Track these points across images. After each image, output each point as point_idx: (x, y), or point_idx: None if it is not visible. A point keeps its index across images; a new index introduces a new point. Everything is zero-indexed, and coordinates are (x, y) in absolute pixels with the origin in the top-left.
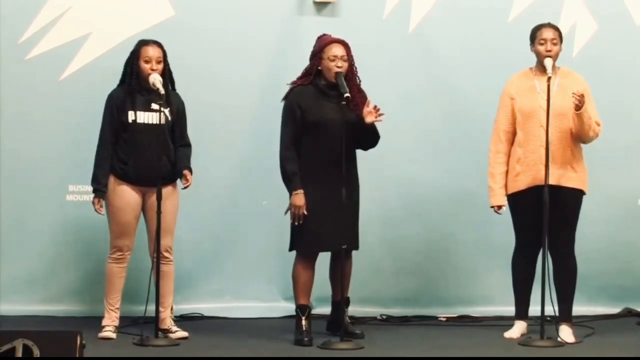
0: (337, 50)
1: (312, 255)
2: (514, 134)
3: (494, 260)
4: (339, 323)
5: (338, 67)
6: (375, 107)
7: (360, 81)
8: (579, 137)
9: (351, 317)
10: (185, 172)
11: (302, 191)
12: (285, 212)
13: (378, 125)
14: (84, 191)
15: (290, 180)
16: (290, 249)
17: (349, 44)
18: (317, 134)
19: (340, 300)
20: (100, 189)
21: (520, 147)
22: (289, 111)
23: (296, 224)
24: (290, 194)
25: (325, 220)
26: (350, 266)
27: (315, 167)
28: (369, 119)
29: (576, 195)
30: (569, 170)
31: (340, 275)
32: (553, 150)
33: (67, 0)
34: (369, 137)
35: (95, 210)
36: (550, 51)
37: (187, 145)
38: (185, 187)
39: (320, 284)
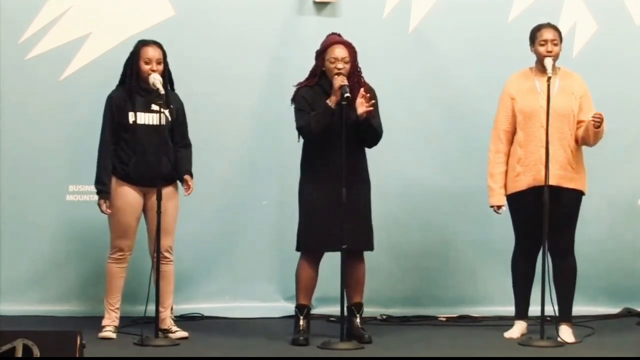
0: (338, 52)
1: (314, 255)
2: (513, 133)
3: (494, 260)
4: (348, 327)
5: (338, 68)
6: (363, 95)
7: (365, 82)
8: (587, 142)
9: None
10: (187, 177)
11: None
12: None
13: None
14: (84, 191)
15: (318, 114)
16: (297, 249)
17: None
18: (323, 133)
19: (349, 306)
20: (104, 190)
21: (521, 148)
22: (300, 105)
23: (346, 85)
24: (329, 109)
25: (330, 220)
26: (363, 271)
27: (320, 167)
28: (359, 110)
29: (576, 196)
30: (569, 171)
31: (348, 279)
32: (554, 151)
33: (67, 0)
34: (367, 133)
35: (102, 211)
36: (551, 52)
37: (187, 146)
38: (187, 194)
39: (321, 284)
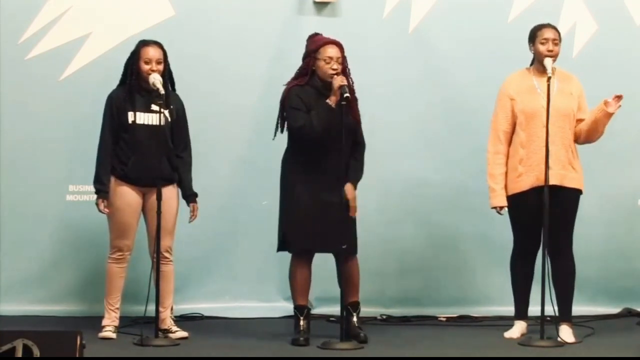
0: (332, 51)
1: (306, 256)
2: (512, 134)
3: (494, 260)
4: (345, 327)
5: (333, 69)
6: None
7: (353, 82)
8: (593, 135)
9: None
10: (193, 205)
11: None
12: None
13: (377, 123)
14: (84, 191)
15: (319, 113)
16: (279, 250)
17: (344, 44)
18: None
19: (346, 305)
20: (103, 190)
21: (523, 148)
22: (296, 104)
23: (345, 85)
24: (330, 109)
25: (320, 220)
26: (356, 270)
27: (311, 167)
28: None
29: (575, 195)
30: (569, 170)
31: (342, 279)
32: (556, 151)
33: (67, 0)
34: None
35: (100, 210)
36: (552, 51)
37: (187, 147)
38: (192, 221)
39: (321, 284)
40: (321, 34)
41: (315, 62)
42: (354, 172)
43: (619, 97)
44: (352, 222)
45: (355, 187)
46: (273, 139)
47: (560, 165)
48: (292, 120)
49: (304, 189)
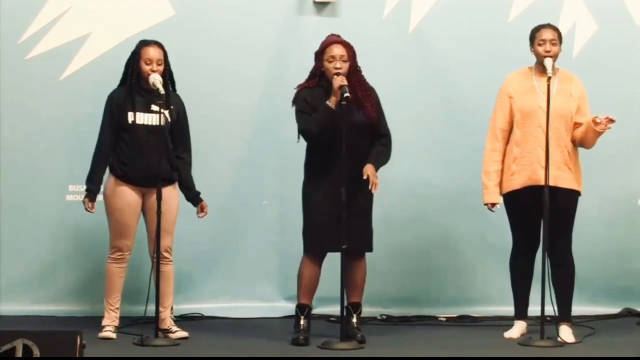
0: (336, 50)
1: (318, 255)
2: (510, 132)
3: (494, 260)
4: (345, 326)
5: (336, 68)
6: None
7: (365, 80)
8: (584, 145)
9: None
10: (202, 205)
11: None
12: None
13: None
14: (84, 191)
15: (318, 115)
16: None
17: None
18: (326, 134)
19: (347, 305)
20: (92, 190)
21: (518, 147)
22: (301, 107)
23: (346, 85)
24: (329, 110)
25: (333, 220)
26: (363, 272)
27: (323, 168)
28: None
29: (572, 195)
30: (565, 171)
31: (348, 279)
32: (550, 152)
33: (67, 0)
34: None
35: (86, 209)
36: (549, 52)
37: (187, 148)
38: (202, 216)
39: (321, 284)
40: (335, 35)
41: (322, 62)
42: (375, 154)
43: (610, 120)
44: (368, 223)
45: (376, 169)
46: (297, 142)
47: (555, 166)
48: (297, 123)
49: (317, 189)
